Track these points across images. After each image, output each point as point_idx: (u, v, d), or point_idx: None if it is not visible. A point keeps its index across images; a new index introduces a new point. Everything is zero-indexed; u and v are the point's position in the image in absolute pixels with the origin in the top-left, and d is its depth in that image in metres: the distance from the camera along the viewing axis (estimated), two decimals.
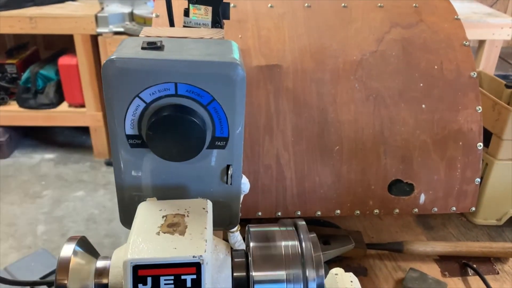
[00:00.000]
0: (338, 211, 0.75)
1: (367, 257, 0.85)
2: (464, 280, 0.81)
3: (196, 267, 0.36)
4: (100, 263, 0.40)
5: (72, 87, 2.25)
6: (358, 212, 0.75)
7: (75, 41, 2.15)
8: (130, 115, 0.41)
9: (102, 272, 0.39)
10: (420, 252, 0.84)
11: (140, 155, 0.44)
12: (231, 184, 0.46)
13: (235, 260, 0.41)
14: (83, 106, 2.28)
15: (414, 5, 0.81)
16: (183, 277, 0.36)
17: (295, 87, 0.73)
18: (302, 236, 0.40)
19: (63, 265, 0.38)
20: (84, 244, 0.41)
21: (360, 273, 0.82)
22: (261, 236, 0.41)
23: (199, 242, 0.37)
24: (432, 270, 0.82)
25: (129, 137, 0.42)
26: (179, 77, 0.40)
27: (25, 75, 2.26)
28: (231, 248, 0.42)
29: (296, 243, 0.40)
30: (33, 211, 2.11)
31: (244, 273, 0.40)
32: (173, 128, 0.40)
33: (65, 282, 0.38)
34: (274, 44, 0.76)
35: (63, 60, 2.24)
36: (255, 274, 0.38)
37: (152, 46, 0.41)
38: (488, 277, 0.81)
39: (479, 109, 0.75)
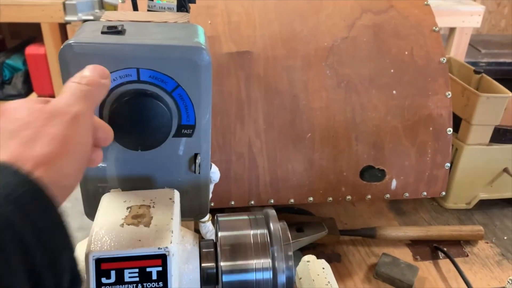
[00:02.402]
0: (311, 198, 0.75)
1: (340, 243, 0.85)
2: (435, 264, 0.82)
3: (161, 259, 0.35)
4: None
5: (41, 77, 2.18)
6: (330, 198, 0.75)
7: (42, 30, 2.08)
8: None
9: None
10: (392, 237, 0.85)
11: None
12: (199, 173, 0.45)
13: (203, 250, 0.40)
14: (53, 96, 2.21)
15: None
16: (148, 269, 0.35)
17: (266, 74, 0.72)
18: (271, 225, 0.39)
19: None
20: None
21: (334, 259, 0.82)
22: (230, 225, 0.40)
23: (165, 233, 0.36)
24: (404, 255, 0.83)
25: None
26: (141, 62, 0.38)
27: None
28: (200, 238, 0.41)
29: (265, 231, 0.39)
30: None
31: (213, 263, 0.39)
32: (136, 116, 0.39)
33: None
34: (244, 31, 0.74)
35: (31, 50, 2.17)
36: (223, 264, 0.38)
37: (113, 30, 0.39)
38: (458, 260, 0.82)
39: (449, 94, 0.75)
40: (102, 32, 0.39)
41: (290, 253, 0.38)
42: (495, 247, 0.86)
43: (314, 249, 0.83)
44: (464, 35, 2.29)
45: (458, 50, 2.33)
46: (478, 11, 2.20)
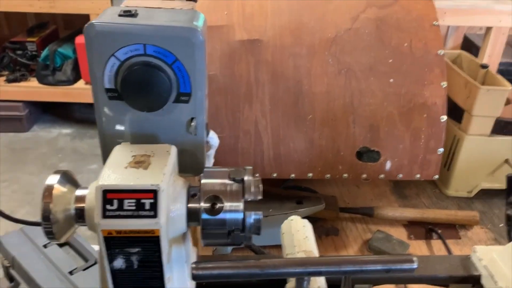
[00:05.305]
0: (311, 174, 0.83)
1: (340, 219, 0.93)
2: (428, 243, 0.88)
3: (153, 193, 0.44)
4: (79, 192, 0.48)
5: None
6: (328, 175, 0.83)
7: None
8: (107, 71, 0.49)
9: (80, 199, 0.48)
10: (389, 217, 0.92)
11: (117, 106, 0.52)
12: (195, 134, 0.54)
13: (191, 193, 0.49)
14: None
15: None
16: (142, 201, 0.44)
17: (274, 60, 0.81)
18: (246, 177, 0.48)
19: (48, 191, 0.47)
20: (67, 177, 0.49)
21: (332, 233, 0.90)
22: (212, 175, 0.49)
23: (158, 175, 0.46)
24: (399, 233, 0.90)
25: (107, 90, 0.51)
26: (147, 39, 0.48)
27: (44, 53, 2.36)
28: (190, 184, 0.50)
29: (240, 182, 0.48)
30: None
31: (197, 204, 0.48)
32: (142, 82, 0.48)
33: (50, 204, 0.46)
34: (256, 21, 0.83)
35: (80, 39, 2.34)
36: (203, 205, 0.47)
37: (127, 13, 0.49)
38: (450, 241, 0.88)
39: (444, 84, 0.81)
40: (119, 15, 0.49)
41: (260, 197, 0.46)
42: (490, 233, 0.91)
43: (315, 223, 0.90)
44: (501, 35, 2.25)
45: (494, 50, 2.30)
46: None
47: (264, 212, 0.81)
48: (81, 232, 0.89)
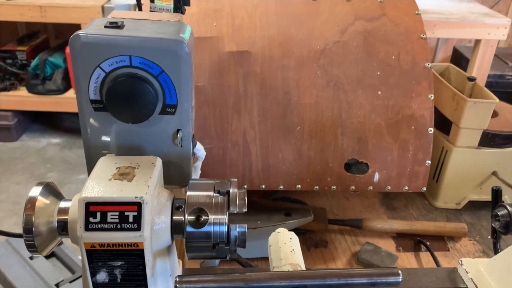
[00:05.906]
0: (299, 186, 0.82)
1: (329, 231, 0.92)
2: (416, 255, 0.88)
3: (137, 205, 0.44)
4: (62, 204, 0.48)
5: None
6: (317, 187, 0.83)
7: None
8: (93, 82, 0.49)
9: (63, 211, 0.47)
10: (378, 229, 0.91)
11: (103, 118, 0.52)
12: (181, 146, 0.54)
13: (176, 205, 0.48)
14: None
15: (379, 0, 0.88)
16: (126, 213, 0.44)
17: (263, 72, 0.81)
18: (231, 189, 0.47)
19: (31, 203, 0.46)
20: (50, 188, 0.49)
21: (321, 245, 0.89)
22: (197, 187, 0.49)
23: (142, 187, 0.45)
24: (388, 245, 0.89)
25: (92, 101, 0.50)
26: (133, 50, 0.48)
27: (34, 62, 2.35)
28: (175, 196, 0.50)
29: (225, 194, 0.47)
30: None
31: (182, 217, 0.48)
32: (127, 94, 0.48)
33: (32, 216, 0.46)
34: (245, 32, 0.83)
35: None
36: (187, 218, 0.46)
37: (114, 25, 0.49)
38: (439, 253, 0.87)
39: (431, 96, 0.81)
40: (105, 26, 0.49)
41: (245, 209, 0.46)
42: (478, 245, 0.91)
43: (304, 235, 0.90)
44: (490, 47, 2.29)
45: (483, 62, 2.34)
46: (505, 24, 2.21)
47: (253, 224, 0.81)
48: (68, 244, 0.88)
